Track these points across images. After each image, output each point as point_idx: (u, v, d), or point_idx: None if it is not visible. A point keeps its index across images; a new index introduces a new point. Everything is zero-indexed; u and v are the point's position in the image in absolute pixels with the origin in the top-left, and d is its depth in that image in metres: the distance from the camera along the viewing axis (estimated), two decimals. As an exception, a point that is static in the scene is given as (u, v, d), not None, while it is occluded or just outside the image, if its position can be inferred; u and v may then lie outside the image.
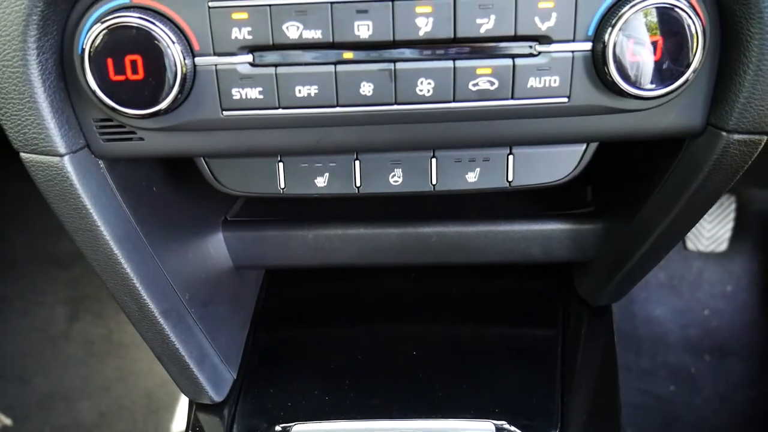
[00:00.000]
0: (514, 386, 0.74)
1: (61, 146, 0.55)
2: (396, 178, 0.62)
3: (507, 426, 0.68)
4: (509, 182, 0.62)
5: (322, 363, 0.77)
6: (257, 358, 0.78)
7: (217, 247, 0.79)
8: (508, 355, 0.78)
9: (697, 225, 1.60)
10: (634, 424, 1.49)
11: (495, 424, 0.68)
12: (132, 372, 1.65)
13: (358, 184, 0.62)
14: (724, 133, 0.55)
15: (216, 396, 0.73)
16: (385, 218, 0.79)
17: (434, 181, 0.62)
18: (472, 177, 0.62)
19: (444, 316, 0.84)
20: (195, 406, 0.75)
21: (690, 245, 1.51)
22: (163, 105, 0.52)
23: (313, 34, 0.51)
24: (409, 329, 0.82)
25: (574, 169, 0.62)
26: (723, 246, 1.49)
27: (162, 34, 0.50)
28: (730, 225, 1.54)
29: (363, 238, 0.78)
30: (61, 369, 1.64)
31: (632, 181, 0.73)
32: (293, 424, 0.69)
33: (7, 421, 1.56)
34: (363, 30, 0.51)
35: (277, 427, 0.70)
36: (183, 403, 1.55)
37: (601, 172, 0.80)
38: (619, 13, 0.49)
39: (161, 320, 0.65)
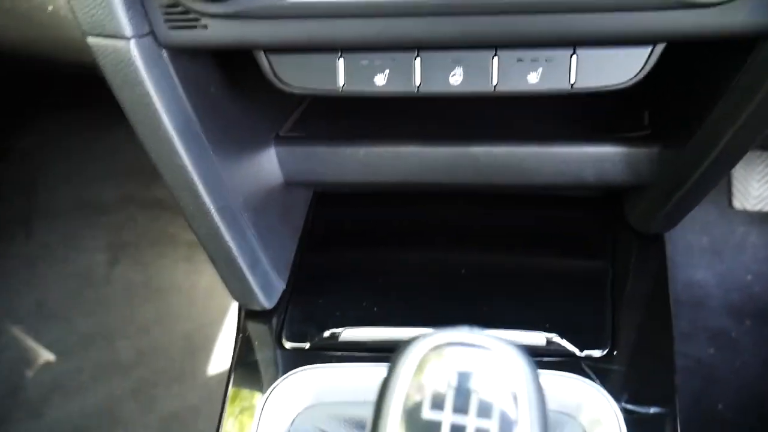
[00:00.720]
0: (563, 305, 0.73)
1: (127, 29, 0.56)
2: (456, 77, 0.61)
3: (557, 339, 0.68)
4: (572, 84, 0.61)
5: (370, 278, 0.78)
6: (306, 270, 0.79)
7: (269, 162, 0.79)
8: (557, 277, 0.77)
9: (744, 183, 1.57)
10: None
11: (546, 336, 0.68)
12: (170, 315, 1.68)
13: (417, 83, 0.61)
14: None
15: (266, 302, 0.73)
16: (436, 137, 0.78)
17: (495, 81, 0.61)
18: (534, 77, 0.61)
19: (493, 241, 0.83)
20: (245, 313, 0.75)
21: (737, 203, 1.48)
22: None
23: None
24: (457, 253, 0.82)
25: (639, 73, 0.61)
26: (771, 205, 1.46)
27: None
28: (779, 185, 1.51)
29: (412, 156, 0.78)
30: (102, 311, 1.68)
31: (692, 99, 0.71)
32: (342, 329, 0.70)
33: (51, 357, 1.60)
34: None
35: (326, 333, 0.70)
36: (220, 346, 1.57)
37: (660, 94, 0.79)
38: None
39: (216, 217, 0.66)
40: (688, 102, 0.71)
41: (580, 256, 0.81)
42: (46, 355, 1.61)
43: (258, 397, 0.66)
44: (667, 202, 0.75)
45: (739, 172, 1.50)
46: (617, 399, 0.64)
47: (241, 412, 0.66)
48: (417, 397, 0.34)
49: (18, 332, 1.65)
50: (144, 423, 1.48)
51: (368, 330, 0.69)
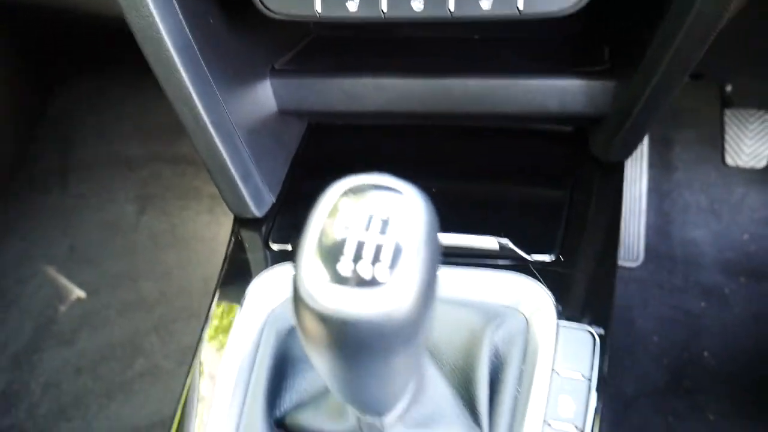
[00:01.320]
0: (519, 217, 0.81)
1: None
2: (418, 3, 0.70)
3: (509, 244, 0.76)
4: (519, 10, 0.69)
5: None
6: (295, 188, 0.88)
7: (264, 91, 0.89)
8: (519, 195, 0.85)
9: (737, 140, 1.61)
10: (661, 333, 1.53)
11: (499, 241, 0.76)
12: (191, 261, 1.79)
13: (384, 9, 0.70)
14: None
15: (257, 211, 0.83)
16: (414, 71, 0.87)
17: (452, 8, 0.70)
18: (486, 4, 0.69)
19: (466, 167, 0.91)
20: (238, 222, 0.85)
21: (729, 160, 1.53)
22: None
23: None
24: (432, 176, 0.90)
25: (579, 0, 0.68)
26: (763, 162, 1.50)
27: None
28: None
29: (392, 87, 0.87)
30: (129, 256, 1.81)
31: (637, 32, 0.78)
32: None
33: (82, 294, 1.73)
34: None
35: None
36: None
37: (617, 30, 0.86)
38: None
39: (212, 131, 0.76)
40: (635, 35, 0.78)
41: (542, 179, 0.88)
42: (77, 293, 1.74)
43: (244, 287, 0.76)
44: (620, 131, 0.82)
45: (732, 129, 1.55)
46: (555, 295, 0.72)
47: (229, 299, 0.76)
48: (331, 223, 0.42)
49: (52, 273, 1.79)
50: (164, 353, 1.60)
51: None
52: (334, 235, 0.41)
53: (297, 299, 0.41)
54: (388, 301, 0.40)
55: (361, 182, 0.44)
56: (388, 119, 0.94)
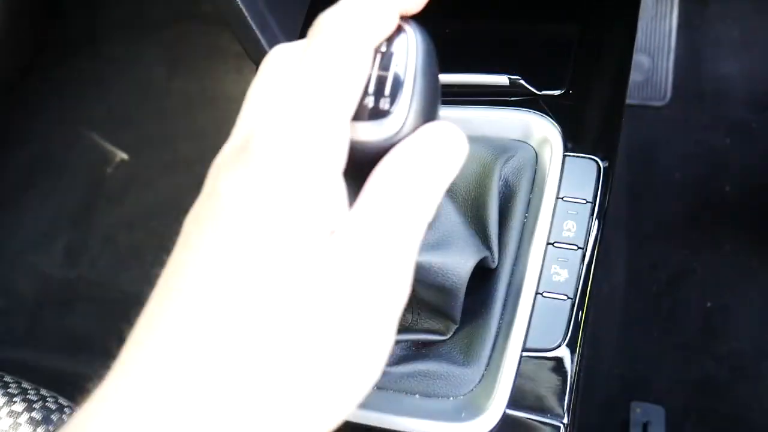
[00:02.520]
0: (532, 53, 0.83)
1: None
2: None
3: (520, 80, 0.79)
4: None
5: None
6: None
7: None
8: (530, 33, 0.86)
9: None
10: (683, 170, 1.56)
11: (509, 78, 0.79)
12: (225, 121, 1.85)
13: None
14: None
15: None
16: None
17: None
18: None
19: (478, 10, 0.91)
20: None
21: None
22: None
23: None
24: (447, 19, 0.91)
25: None
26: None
27: None
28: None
29: None
30: (164, 117, 1.87)
31: None
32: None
33: (125, 156, 1.82)
34: None
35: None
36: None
37: None
38: None
39: None
40: None
41: (556, 15, 0.88)
42: (120, 155, 1.83)
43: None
44: None
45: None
46: (563, 127, 0.75)
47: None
48: None
49: (95, 137, 1.87)
50: (206, 208, 1.71)
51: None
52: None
53: None
54: (392, 126, 0.44)
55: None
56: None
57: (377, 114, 0.44)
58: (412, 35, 0.46)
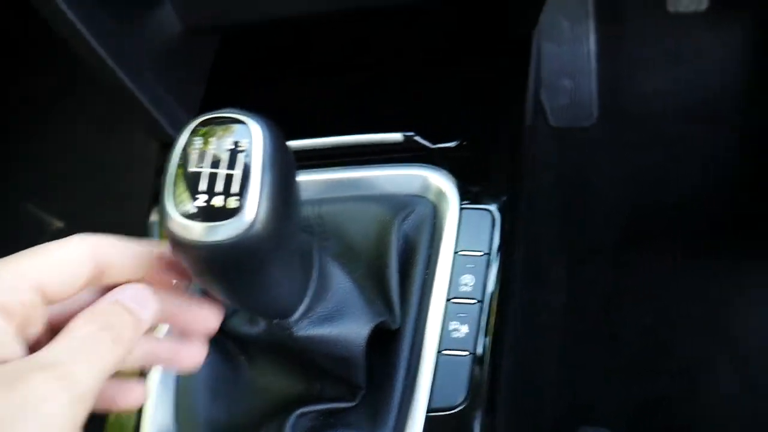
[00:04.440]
0: (423, 106, 0.84)
1: None
2: None
3: (414, 136, 0.79)
4: None
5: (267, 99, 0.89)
6: (214, 106, 0.91)
7: (165, 12, 0.89)
8: (424, 82, 0.87)
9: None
10: (617, 189, 1.58)
11: (403, 135, 0.80)
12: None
13: None
14: None
15: (173, 132, 0.86)
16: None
17: None
18: None
19: (372, 59, 0.92)
20: (161, 147, 0.89)
21: (670, 7, 1.51)
22: None
23: None
24: (338, 75, 0.91)
25: None
26: (704, 5, 1.48)
27: None
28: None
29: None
30: (97, 182, 1.84)
31: None
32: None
33: (60, 224, 1.79)
34: None
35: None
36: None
37: None
38: None
39: (112, 64, 0.77)
40: None
41: (450, 62, 0.89)
42: (56, 223, 1.80)
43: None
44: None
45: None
46: (459, 179, 0.76)
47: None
48: (186, 158, 0.46)
49: (29, 207, 1.84)
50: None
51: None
52: (189, 170, 0.45)
53: (169, 237, 0.45)
54: (241, 225, 0.44)
55: (204, 119, 0.47)
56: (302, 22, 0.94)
57: (226, 213, 0.44)
58: (257, 131, 0.47)
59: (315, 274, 0.62)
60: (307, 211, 0.76)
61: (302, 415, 0.68)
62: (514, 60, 0.88)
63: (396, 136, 0.79)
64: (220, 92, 0.93)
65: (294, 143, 0.81)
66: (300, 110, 0.86)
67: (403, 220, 0.74)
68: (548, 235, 1.47)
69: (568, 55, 1.62)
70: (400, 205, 0.76)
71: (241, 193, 0.44)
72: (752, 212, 1.49)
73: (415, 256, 0.74)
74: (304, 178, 0.79)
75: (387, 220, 0.74)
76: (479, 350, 0.68)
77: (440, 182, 0.76)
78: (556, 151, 1.62)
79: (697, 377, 1.36)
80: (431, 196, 0.76)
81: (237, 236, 0.44)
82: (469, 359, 0.68)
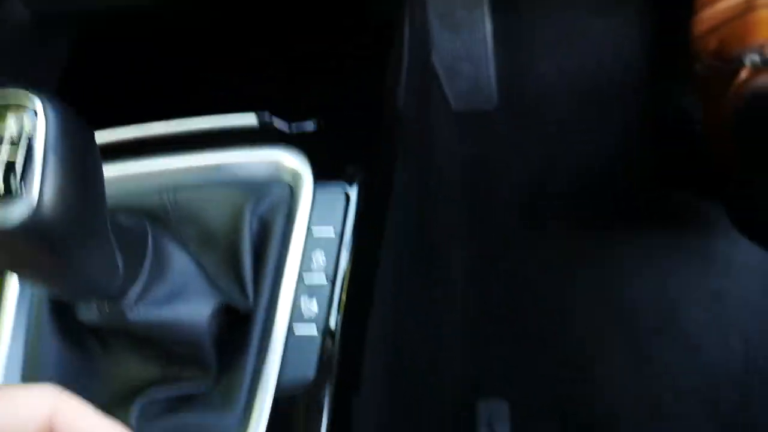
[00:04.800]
0: (282, 87, 0.84)
1: None
2: None
3: (269, 118, 0.79)
4: None
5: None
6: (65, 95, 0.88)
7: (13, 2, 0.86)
8: (288, 63, 0.87)
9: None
10: (515, 171, 1.61)
11: (258, 117, 0.79)
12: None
13: None
14: None
15: None
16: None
17: None
18: None
19: (239, 42, 0.91)
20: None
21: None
22: None
23: None
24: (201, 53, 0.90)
25: None
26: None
27: None
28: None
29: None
30: None
31: None
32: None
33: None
34: None
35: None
36: None
37: None
38: None
39: None
40: None
41: (314, 45, 0.89)
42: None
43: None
44: None
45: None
46: (314, 161, 0.76)
47: None
48: None
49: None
50: None
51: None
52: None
53: None
54: (25, 208, 0.43)
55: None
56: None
57: (11, 197, 0.43)
58: (41, 112, 0.46)
59: (150, 256, 0.61)
60: (163, 198, 0.75)
61: (152, 401, 0.67)
62: (377, 42, 0.89)
63: (250, 118, 0.79)
64: (73, 84, 0.90)
65: (144, 127, 0.80)
66: (157, 92, 0.85)
67: (257, 202, 0.74)
68: (450, 216, 1.49)
69: (466, 42, 1.64)
70: (255, 187, 0.75)
71: (24, 176, 0.44)
72: (646, 193, 1.55)
73: (270, 239, 0.74)
74: (157, 163, 0.78)
75: (240, 204, 0.74)
76: (332, 326, 0.69)
77: (295, 163, 0.76)
78: (458, 136, 1.64)
79: (593, 352, 1.41)
80: (287, 178, 0.76)
81: (25, 219, 0.44)
82: (319, 337, 0.68)
